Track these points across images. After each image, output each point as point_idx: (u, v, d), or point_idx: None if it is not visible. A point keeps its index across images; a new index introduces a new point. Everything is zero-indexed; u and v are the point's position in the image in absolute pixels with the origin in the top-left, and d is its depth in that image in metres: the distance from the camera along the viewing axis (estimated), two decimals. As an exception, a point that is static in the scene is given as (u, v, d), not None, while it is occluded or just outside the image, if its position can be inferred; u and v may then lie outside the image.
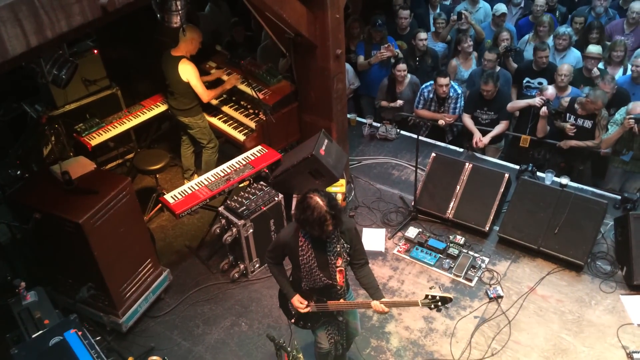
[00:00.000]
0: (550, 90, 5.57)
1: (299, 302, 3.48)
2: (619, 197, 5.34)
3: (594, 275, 4.75)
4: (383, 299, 3.35)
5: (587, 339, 4.26)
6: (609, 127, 5.34)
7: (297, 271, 3.43)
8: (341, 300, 3.44)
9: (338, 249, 3.28)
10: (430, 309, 3.22)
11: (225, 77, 5.70)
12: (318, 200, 3.08)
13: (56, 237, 4.02)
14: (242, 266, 4.87)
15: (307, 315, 3.55)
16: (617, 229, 4.93)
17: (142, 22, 5.46)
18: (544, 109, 5.47)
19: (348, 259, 3.37)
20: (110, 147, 5.97)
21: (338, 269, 3.32)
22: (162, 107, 5.77)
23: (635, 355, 4.07)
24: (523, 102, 5.74)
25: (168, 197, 4.71)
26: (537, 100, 5.53)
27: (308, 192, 3.16)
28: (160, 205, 5.44)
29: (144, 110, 5.75)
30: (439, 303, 3.18)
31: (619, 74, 6.02)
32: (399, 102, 6.30)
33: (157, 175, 5.53)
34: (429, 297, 3.18)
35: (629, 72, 5.99)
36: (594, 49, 5.89)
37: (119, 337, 4.42)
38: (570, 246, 4.76)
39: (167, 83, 5.39)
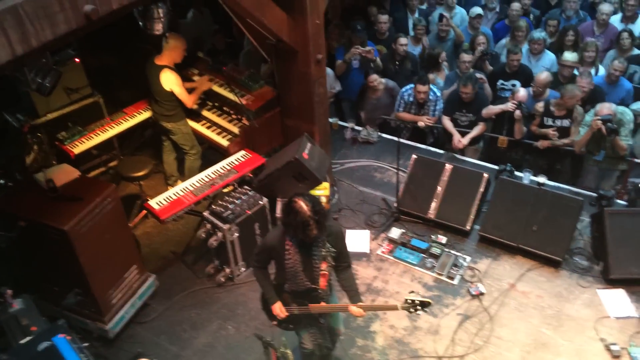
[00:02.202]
0: (522, 92, 5.71)
1: (279, 310, 3.54)
2: (595, 194, 5.49)
3: (571, 271, 4.88)
4: (360, 303, 3.43)
5: (567, 333, 4.38)
6: (580, 129, 5.49)
7: (281, 274, 3.48)
8: (322, 303, 3.51)
9: (323, 253, 3.34)
10: (410, 312, 3.28)
11: (200, 79, 5.74)
12: (302, 204, 3.13)
13: (41, 245, 4.02)
14: (227, 270, 4.91)
15: (289, 318, 3.61)
16: (593, 225, 5.07)
17: (124, 30, 5.50)
18: (517, 112, 5.61)
19: (333, 263, 3.44)
20: (93, 155, 5.97)
21: (321, 272, 3.38)
22: (145, 114, 5.79)
23: (612, 347, 4.21)
24: (497, 108, 5.86)
25: (153, 203, 4.74)
26: (509, 105, 5.66)
27: (294, 196, 3.21)
28: (145, 211, 5.45)
29: (127, 117, 5.77)
30: (418, 307, 3.25)
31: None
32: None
33: (141, 182, 5.54)
34: (409, 301, 3.26)
35: (601, 72, 6.17)
36: (569, 56, 6.02)
37: (106, 343, 4.42)
38: (548, 243, 4.89)
39: (151, 89, 5.42)
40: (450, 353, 4.28)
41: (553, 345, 4.30)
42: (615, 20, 6.94)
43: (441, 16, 7.00)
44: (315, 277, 3.40)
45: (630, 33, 6.33)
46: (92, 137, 5.50)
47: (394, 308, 3.35)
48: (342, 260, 3.49)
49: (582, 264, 4.93)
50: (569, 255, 4.96)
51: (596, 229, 5.00)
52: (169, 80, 5.21)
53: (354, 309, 3.41)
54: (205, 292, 4.90)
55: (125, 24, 4.43)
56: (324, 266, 3.37)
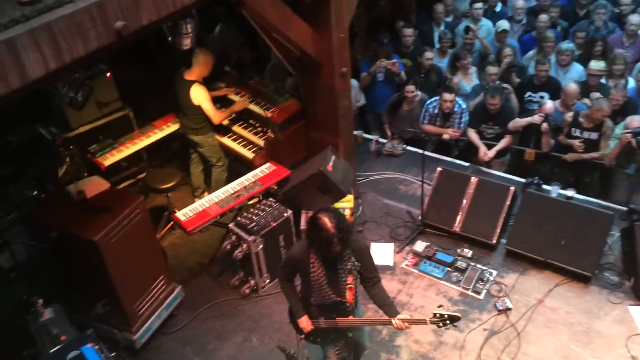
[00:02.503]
0: (549, 105, 5.65)
1: (305, 323, 3.54)
2: (626, 208, 5.37)
3: (601, 287, 4.77)
4: (400, 316, 3.37)
5: (597, 350, 4.28)
6: (610, 142, 5.39)
7: (306, 287, 3.48)
8: (350, 317, 3.49)
9: (349, 267, 3.34)
10: (439, 327, 3.25)
11: (233, 96, 5.84)
12: (327, 221, 3.13)
13: (72, 255, 4.12)
14: (252, 282, 4.95)
15: (317, 331, 3.60)
16: (624, 240, 4.96)
17: (153, 45, 5.64)
18: (545, 125, 5.54)
19: (358, 276, 3.42)
20: (123, 167, 6.09)
21: (348, 286, 3.37)
22: (173, 127, 5.90)
23: (644, 365, 4.10)
24: (523, 121, 5.80)
25: (180, 214, 4.81)
26: (536, 118, 5.60)
27: (319, 212, 3.21)
28: (172, 223, 5.54)
29: (155, 130, 5.88)
30: (448, 321, 3.21)
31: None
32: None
33: (169, 194, 5.64)
34: (437, 315, 3.22)
35: (630, 84, 6.06)
36: (595, 65, 5.95)
37: (133, 353, 4.49)
38: (577, 257, 4.79)
39: (178, 102, 5.53)
40: (476, 369, 4.22)
41: (583, 363, 4.21)
42: (646, 30, 6.82)
43: (467, 28, 6.98)
44: (342, 290, 3.39)
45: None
46: (122, 150, 5.62)
47: (423, 322, 3.31)
48: (370, 276, 3.46)
49: (613, 280, 4.81)
50: (598, 271, 4.85)
51: (627, 244, 4.88)
52: (198, 95, 5.32)
53: (397, 322, 3.34)
54: (230, 304, 4.94)
55: (155, 39, 4.55)
56: (350, 279, 3.36)
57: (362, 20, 7.35)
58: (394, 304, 3.49)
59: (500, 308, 4.63)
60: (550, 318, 4.55)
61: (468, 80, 6.63)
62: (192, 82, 5.32)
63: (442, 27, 7.54)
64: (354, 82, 6.31)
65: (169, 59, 5.87)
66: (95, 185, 4.38)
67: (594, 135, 5.55)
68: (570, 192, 5.43)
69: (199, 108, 5.38)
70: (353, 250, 3.34)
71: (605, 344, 4.32)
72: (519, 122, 5.86)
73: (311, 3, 4.60)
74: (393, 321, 3.35)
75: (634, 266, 4.67)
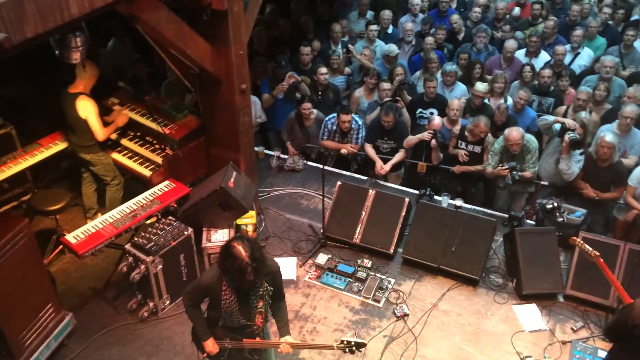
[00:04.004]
0: (437, 121, 6.04)
1: (212, 347, 3.49)
2: (507, 215, 5.85)
3: (488, 288, 5.14)
4: (296, 342, 3.47)
5: (485, 348, 4.59)
6: (490, 156, 5.87)
7: (216, 311, 3.42)
8: (257, 339, 3.49)
9: (260, 292, 3.34)
10: (345, 352, 3.36)
11: (120, 109, 5.63)
12: (241, 249, 3.09)
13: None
14: (151, 304, 4.76)
15: (222, 351, 3.56)
16: (506, 244, 5.39)
17: (38, 58, 5.31)
18: (433, 141, 5.91)
19: (270, 300, 3.44)
20: (4, 188, 5.65)
21: (258, 310, 3.38)
22: (61, 145, 5.56)
23: (528, 360, 4.46)
24: (415, 139, 6.13)
25: (70, 237, 4.54)
26: (425, 135, 5.96)
27: (232, 240, 3.17)
28: (61, 247, 5.20)
29: (41, 149, 5.50)
30: (354, 348, 3.32)
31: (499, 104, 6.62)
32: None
33: (57, 216, 5.30)
34: (345, 342, 3.32)
35: (509, 102, 6.64)
36: (481, 87, 6.43)
37: (18, 389, 4.14)
38: (466, 263, 5.13)
39: (66, 120, 5.23)
40: (378, 375, 4.36)
41: (474, 361, 4.49)
42: (520, 55, 7.53)
43: (346, 47, 7.33)
44: (252, 315, 3.39)
45: (532, 67, 6.89)
46: (3, 170, 5.20)
47: (330, 347, 3.44)
48: (278, 296, 3.51)
49: (498, 282, 5.21)
50: (485, 274, 5.22)
51: (509, 248, 5.31)
52: (85, 108, 5.06)
53: (285, 346, 3.42)
54: (127, 329, 4.72)
55: (42, 52, 4.30)
56: (260, 304, 3.37)
57: (262, 38, 7.44)
58: (288, 325, 3.57)
59: (399, 314, 4.83)
60: (443, 321, 4.82)
61: (370, 99, 6.92)
62: (77, 95, 5.06)
63: (339, 47, 7.82)
64: (254, 99, 6.35)
65: (57, 74, 5.56)
66: (-28, 209, 4.03)
67: (477, 149, 6.02)
68: (458, 202, 5.82)
69: (87, 123, 5.11)
70: (266, 275, 3.33)
71: (493, 342, 4.65)
72: (411, 140, 6.19)
73: (209, 19, 4.59)
74: (281, 345, 3.44)
75: (515, 268, 5.08)
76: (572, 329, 4.73)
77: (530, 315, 4.86)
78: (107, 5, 3.53)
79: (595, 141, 5.69)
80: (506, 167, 5.59)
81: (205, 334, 3.49)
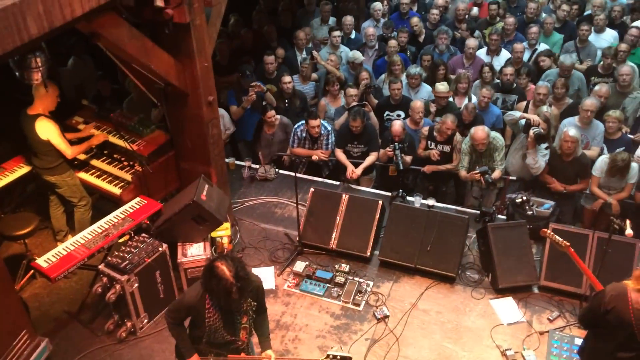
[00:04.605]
0: (397, 125, 5.99)
1: None
2: (478, 211, 5.95)
3: (465, 285, 5.22)
4: (282, 358, 3.49)
5: (466, 344, 4.66)
6: (461, 158, 5.97)
7: (199, 328, 3.39)
8: (242, 354, 3.48)
9: (244, 308, 3.34)
10: None
11: (93, 131, 5.54)
12: (225, 269, 3.07)
13: None
14: (129, 324, 4.67)
15: None
16: (480, 240, 5.49)
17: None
18: (393, 152, 5.92)
19: (254, 316, 3.43)
20: (-33, 215, 5.49)
21: (242, 326, 3.37)
22: (25, 169, 5.42)
23: (508, 353, 4.52)
24: (383, 154, 6.21)
25: (40, 261, 4.41)
26: (387, 151, 6.01)
27: (215, 260, 3.15)
28: (32, 271, 5.07)
29: (6, 173, 5.37)
30: None
31: (464, 103, 6.77)
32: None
33: (26, 240, 5.18)
34: (331, 356, 3.33)
35: (473, 100, 6.77)
36: (441, 87, 6.53)
37: (-6, 422, 4.01)
38: (442, 261, 5.20)
39: (28, 143, 5.11)
40: (362, 378, 4.37)
41: (455, 358, 4.54)
42: (482, 54, 7.70)
43: (311, 54, 7.39)
44: (237, 331, 3.38)
45: (491, 67, 7.04)
46: (-33, 196, 5.07)
47: None
48: (261, 310, 3.52)
49: (474, 277, 5.29)
50: (461, 271, 5.30)
51: (482, 244, 5.41)
52: (45, 129, 4.94)
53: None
54: (106, 351, 4.62)
55: (0, 74, 4.21)
56: (245, 320, 3.36)
57: (224, 50, 7.42)
58: (269, 339, 3.59)
59: (379, 316, 4.86)
60: (423, 320, 4.87)
61: (336, 105, 6.96)
62: (36, 117, 4.93)
63: (304, 54, 7.86)
64: (222, 111, 6.32)
65: (17, 96, 5.43)
66: None
67: (446, 148, 6.12)
68: (430, 201, 5.90)
69: (48, 145, 5.00)
70: (250, 291, 3.31)
71: (473, 337, 4.71)
72: (382, 157, 6.28)
73: (171, 33, 4.56)
74: (263, 357, 3.47)
75: (490, 263, 5.18)
76: (548, 319, 4.83)
77: (507, 308, 4.95)
78: (66, 23, 3.47)
79: (559, 136, 5.85)
80: (478, 171, 5.68)
81: (190, 351, 3.45)
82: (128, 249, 4.68)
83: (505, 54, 7.63)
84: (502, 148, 5.91)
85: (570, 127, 5.69)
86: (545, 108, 6.12)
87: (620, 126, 6.02)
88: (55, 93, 5.04)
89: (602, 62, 7.09)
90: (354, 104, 6.50)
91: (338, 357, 3.31)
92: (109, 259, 4.60)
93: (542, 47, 7.69)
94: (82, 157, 5.48)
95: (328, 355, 3.32)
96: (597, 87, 6.44)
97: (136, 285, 4.53)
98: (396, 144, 5.84)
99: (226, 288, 3.07)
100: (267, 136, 6.68)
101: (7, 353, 4.02)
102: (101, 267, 4.56)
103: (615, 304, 3.28)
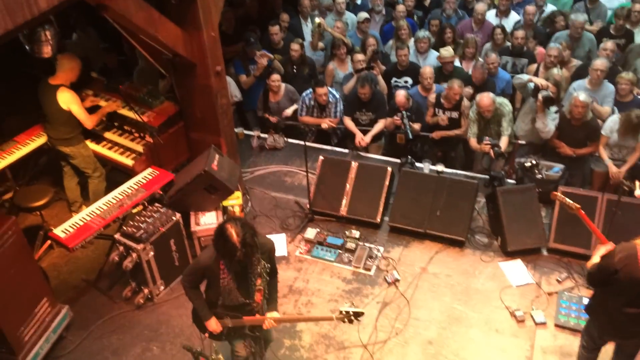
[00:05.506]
0: (400, 97, 5.94)
1: (215, 326, 3.56)
2: (487, 176, 5.97)
3: (474, 248, 5.28)
4: (292, 316, 3.62)
5: (476, 306, 4.74)
6: (469, 126, 5.95)
7: (215, 291, 3.48)
8: (257, 316, 3.56)
9: (258, 270, 3.41)
10: (344, 322, 3.48)
11: (102, 103, 5.58)
12: (233, 232, 3.15)
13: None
14: (146, 291, 4.81)
15: (223, 330, 3.63)
16: (489, 205, 5.52)
17: (7, 55, 5.21)
18: (399, 122, 5.93)
19: (267, 278, 3.50)
20: (-17, 189, 5.60)
21: (257, 288, 3.45)
22: (39, 141, 5.50)
23: (517, 313, 4.60)
24: (390, 125, 6.21)
25: (58, 231, 4.53)
26: (395, 119, 5.97)
27: (227, 222, 3.23)
28: (49, 242, 5.19)
29: (19, 146, 5.45)
30: (352, 317, 3.43)
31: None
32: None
33: (42, 212, 5.28)
34: (343, 312, 3.43)
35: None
36: (445, 52, 6.46)
37: (22, 384, 4.18)
38: (451, 225, 5.26)
39: (44, 113, 5.17)
40: (374, 340, 4.48)
41: (465, 319, 4.63)
42: (491, 15, 7.57)
43: (318, 23, 7.32)
44: (251, 293, 3.46)
45: (503, 29, 6.94)
46: (-18, 170, 5.15)
47: (329, 319, 3.55)
48: (271, 273, 3.58)
49: (483, 241, 5.35)
50: (470, 235, 5.36)
51: (491, 208, 5.44)
52: (67, 99, 5.01)
53: (269, 321, 3.51)
54: (124, 317, 4.77)
55: (11, 49, 4.23)
56: (259, 282, 3.43)
57: (229, 19, 7.35)
58: (277, 302, 3.66)
59: (390, 281, 4.95)
60: (433, 283, 4.96)
61: (344, 70, 6.92)
62: (58, 87, 5.00)
63: (309, 21, 7.78)
64: (228, 79, 6.31)
65: (28, 70, 5.47)
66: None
67: (454, 114, 6.10)
68: (439, 167, 5.93)
69: (68, 115, 5.06)
70: (263, 253, 3.39)
71: (483, 299, 4.80)
72: (389, 125, 6.25)
73: (178, 3, 4.54)
74: (267, 316, 3.53)
75: (499, 227, 5.22)
76: (557, 280, 4.90)
77: (516, 270, 5.02)
78: (75, -5, 3.48)
79: (568, 101, 5.81)
80: (487, 143, 5.67)
81: (207, 314, 3.56)
82: (142, 218, 4.77)
83: (514, 16, 7.51)
84: (509, 113, 5.88)
85: (580, 92, 5.63)
86: (556, 70, 6.06)
87: (633, 88, 5.95)
88: (77, 67, 5.09)
89: (614, 23, 6.95)
90: (362, 67, 6.47)
91: (351, 313, 3.40)
92: (125, 228, 4.70)
93: (550, 8, 7.55)
94: (97, 128, 5.53)
95: (341, 312, 3.42)
96: (602, 44, 6.32)
97: (152, 253, 4.64)
98: (404, 112, 5.83)
99: (231, 250, 3.16)
100: (272, 104, 6.68)
101: (29, 320, 4.16)
102: (117, 236, 4.66)
103: (625, 263, 3.32)
